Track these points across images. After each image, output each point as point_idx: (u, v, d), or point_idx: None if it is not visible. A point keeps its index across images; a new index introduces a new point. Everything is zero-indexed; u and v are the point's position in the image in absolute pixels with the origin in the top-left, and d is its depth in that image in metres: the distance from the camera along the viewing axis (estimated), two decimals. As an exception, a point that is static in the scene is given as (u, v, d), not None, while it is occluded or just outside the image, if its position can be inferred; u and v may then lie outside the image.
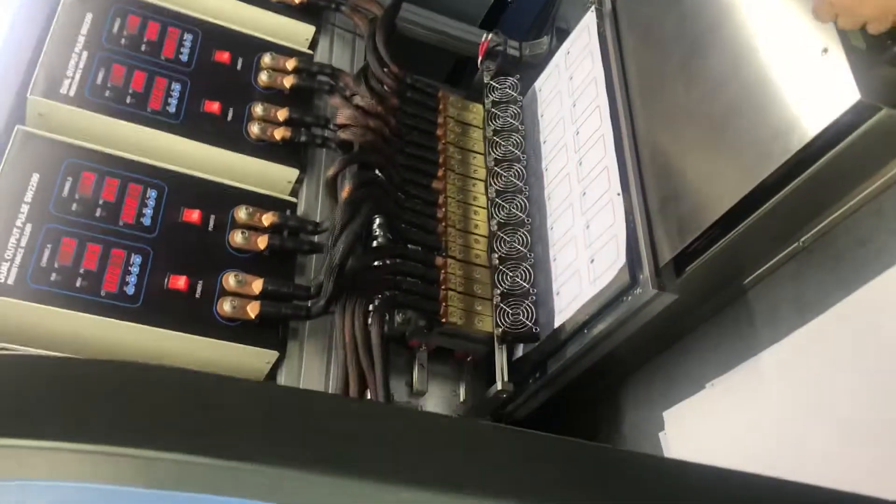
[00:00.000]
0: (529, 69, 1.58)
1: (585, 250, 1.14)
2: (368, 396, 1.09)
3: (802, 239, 0.98)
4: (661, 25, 1.17)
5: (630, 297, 1.04)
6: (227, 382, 0.47)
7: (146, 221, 1.13)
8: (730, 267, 1.03)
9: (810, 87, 0.90)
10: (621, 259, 1.05)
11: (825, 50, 0.88)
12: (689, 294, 1.03)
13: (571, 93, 1.30)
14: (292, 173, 1.28)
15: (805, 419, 0.95)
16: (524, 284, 1.21)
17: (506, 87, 1.43)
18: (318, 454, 0.40)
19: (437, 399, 1.25)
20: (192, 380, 0.43)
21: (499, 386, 1.16)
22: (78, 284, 1.04)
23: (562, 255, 1.20)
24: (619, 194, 1.09)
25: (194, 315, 1.09)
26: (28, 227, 1.05)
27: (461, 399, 1.26)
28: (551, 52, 1.52)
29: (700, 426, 1.08)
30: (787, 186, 0.92)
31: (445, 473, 0.43)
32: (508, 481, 0.44)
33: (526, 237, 1.26)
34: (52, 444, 0.36)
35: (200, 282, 1.11)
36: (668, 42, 1.14)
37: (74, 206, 1.09)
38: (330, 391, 1.14)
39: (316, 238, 1.22)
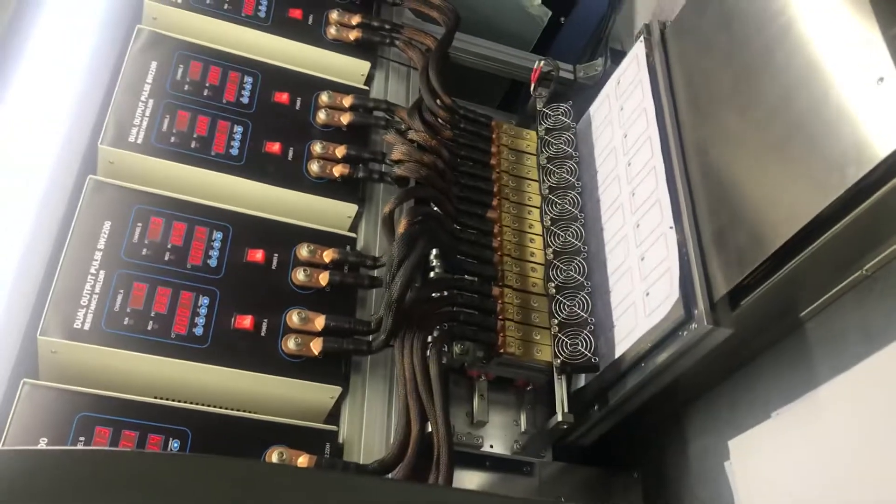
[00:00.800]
0: (584, 92, 1.59)
1: (641, 282, 1.14)
2: (429, 429, 1.11)
3: (866, 267, 0.97)
4: (711, 53, 1.17)
5: (686, 332, 1.04)
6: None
7: (212, 263, 1.17)
8: (788, 298, 1.02)
9: (867, 117, 0.88)
10: (675, 293, 1.05)
11: (881, 79, 0.86)
12: (746, 327, 1.03)
13: (622, 123, 1.30)
14: (351, 209, 1.31)
15: (873, 451, 0.93)
16: (582, 314, 1.21)
17: (559, 114, 1.44)
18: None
19: (498, 429, 1.26)
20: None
21: (559, 417, 1.16)
22: (149, 328, 1.08)
23: (618, 286, 1.20)
24: (671, 227, 1.09)
25: (260, 353, 1.12)
26: (101, 274, 1.10)
27: (522, 429, 1.27)
28: (606, 75, 1.52)
29: (765, 455, 1.06)
30: (846, 217, 0.91)
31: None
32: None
33: (582, 265, 1.26)
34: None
35: (265, 320, 1.14)
36: (719, 69, 1.14)
37: (144, 251, 1.14)
38: (392, 424, 1.16)
39: (375, 272, 1.24)
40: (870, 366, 0.95)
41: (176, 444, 1.03)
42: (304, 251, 1.21)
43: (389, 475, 1.08)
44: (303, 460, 1.05)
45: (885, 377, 0.93)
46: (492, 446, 1.25)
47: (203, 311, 1.13)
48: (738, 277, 1.00)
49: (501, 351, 1.21)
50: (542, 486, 1.30)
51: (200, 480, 0.42)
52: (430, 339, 1.17)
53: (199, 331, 1.11)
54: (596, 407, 1.20)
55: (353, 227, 1.32)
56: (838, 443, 0.97)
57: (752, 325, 1.04)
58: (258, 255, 1.19)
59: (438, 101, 1.37)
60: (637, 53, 1.30)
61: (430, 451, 1.09)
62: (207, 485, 0.42)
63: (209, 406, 1.09)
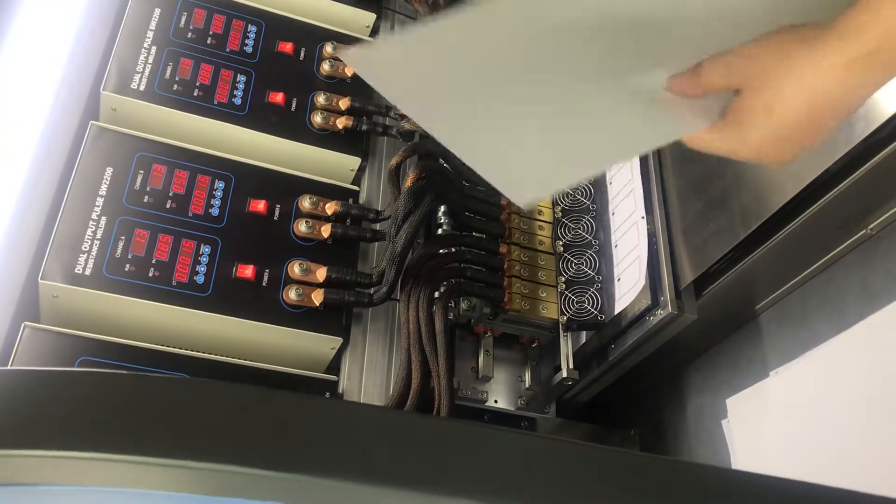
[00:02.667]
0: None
1: (647, 237, 1.13)
2: (431, 384, 1.11)
3: (870, 226, 0.96)
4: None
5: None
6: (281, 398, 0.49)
7: (214, 212, 1.17)
8: (796, 255, 1.01)
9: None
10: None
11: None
12: (750, 284, 1.02)
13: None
14: (354, 162, 1.30)
15: (871, 410, 0.93)
16: (589, 272, 1.21)
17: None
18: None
19: (503, 385, 1.26)
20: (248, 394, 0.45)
21: (564, 374, 1.17)
22: (151, 274, 1.08)
23: (623, 241, 1.19)
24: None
25: (261, 303, 1.12)
26: (103, 220, 1.09)
27: (526, 384, 1.27)
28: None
29: (763, 414, 1.07)
30: (853, 173, 0.90)
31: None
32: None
33: (591, 224, 1.25)
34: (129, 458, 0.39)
35: (267, 270, 1.14)
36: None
37: (146, 199, 1.13)
38: (392, 377, 1.16)
39: (378, 226, 1.24)
40: (870, 324, 0.94)
41: (176, 391, 1.03)
42: (306, 203, 1.21)
43: (388, 426, 1.09)
44: (302, 409, 1.06)
45: (885, 336, 0.93)
46: (496, 401, 1.25)
47: (204, 259, 1.12)
48: (744, 232, 0.99)
49: (507, 307, 1.21)
50: (540, 442, 1.30)
51: (210, 403, 0.42)
52: (436, 294, 1.16)
53: (200, 279, 1.11)
54: (600, 361, 1.21)
55: (356, 181, 1.31)
56: (838, 401, 0.97)
57: (759, 280, 1.03)
58: (260, 206, 1.19)
59: (445, 55, 1.35)
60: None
61: (429, 406, 1.09)
62: (215, 406, 0.43)
63: (209, 354, 1.09)
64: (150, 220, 1.12)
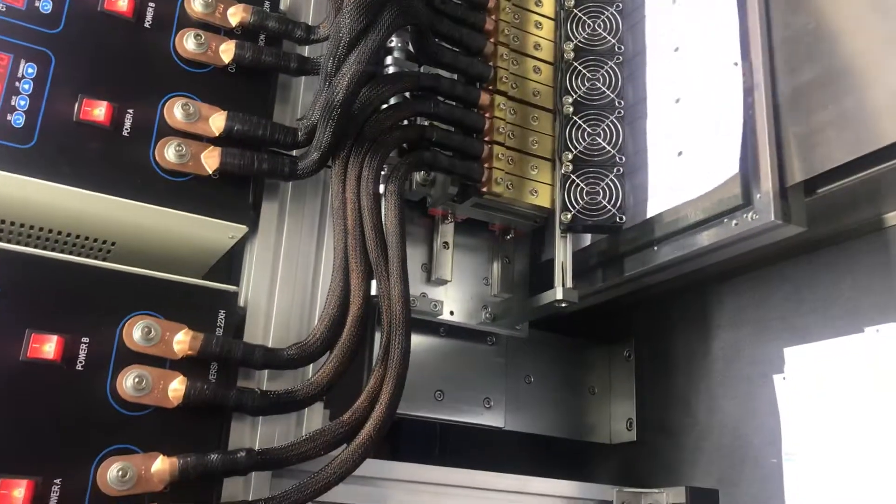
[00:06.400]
0: None
1: (709, 114, 0.76)
2: (373, 291, 0.75)
3: None
4: None
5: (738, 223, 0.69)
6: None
7: (45, 7, 0.72)
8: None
9: None
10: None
11: None
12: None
13: None
14: (276, -55, 0.85)
15: None
16: (608, 148, 0.83)
17: None
18: None
19: (463, 292, 0.92)
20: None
21: (558, 294, 0.82)
22: (-73, 110, 0.65)
23: (689, 98, 0.81)
24: (736, 64, 0.70)
25: (119, 164, 0.72)
26: None
27: (494, 290, 0.93)
28: None
29: (847, 380, 0.76)
30: None
31: None
32: None
33: (614, 74, 0.86)
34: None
35: (130, 111, 0.73)
36: None
37: (-79, -25, 0.68)
38: (321, 282, 0.80)
39: (308, 51, 0.82)
40: None
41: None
42: (197, 3, 0.78)
43: (312, 366, 0.74)
44: (182, 338, 0.68)
45: None
46: (452, 313, 0.91)
47: (26, 87, 0.70)
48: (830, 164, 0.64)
49: (485, 190, 0.83)
50: (507, 359, 0.98)
51: None
52: (386, 165, 0.78)
53: (18, 120, 0.69)
54: (608, 273, 0.87)
55: (277, -27, 0.87)
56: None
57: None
58: (122, 3, 0.75)
59: None
60: None
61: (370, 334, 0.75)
62: None
63: (37, 247, 0.70)
64: (-72, 14, 0.67)
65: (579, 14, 0.88)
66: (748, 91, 0.74)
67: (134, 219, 0.74)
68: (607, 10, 0.87)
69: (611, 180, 0.82)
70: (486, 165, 0.84)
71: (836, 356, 0.77)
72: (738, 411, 0.88)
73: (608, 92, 0.85)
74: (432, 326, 0.93)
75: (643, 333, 1.01)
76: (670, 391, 0.96)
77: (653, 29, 0.88)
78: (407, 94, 0.84)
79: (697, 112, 0.79)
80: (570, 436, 1.02)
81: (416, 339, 0.92)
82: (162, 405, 0.67)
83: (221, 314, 0.72)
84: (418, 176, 0.86)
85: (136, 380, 0.66)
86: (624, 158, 0.83)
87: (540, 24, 0.92)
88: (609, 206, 0.82)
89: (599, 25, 0.88)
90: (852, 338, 0.76)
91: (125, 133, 0.73)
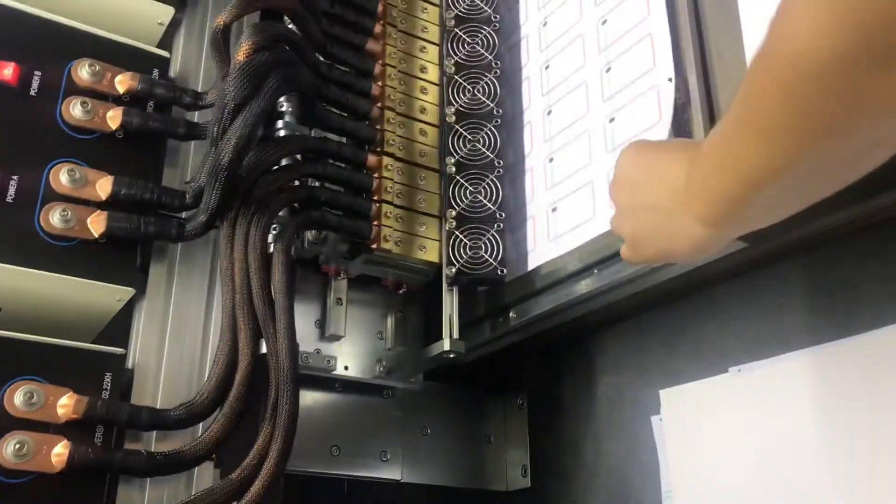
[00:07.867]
0: None
1: (606, 154, 0.80)
2: (264, 349, 0.77)
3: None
4: None
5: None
6: None
7: (-76, 75, 0.73)
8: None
9: None
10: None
11: None
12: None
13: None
14: (165, 12, 0.88)
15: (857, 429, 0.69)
16: (488, 205, 0.88)
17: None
18: None
19: (358, 347, 0.94)
20: None
21: (446, 346, 0.85)
22: None
23: (562, 156, 0.86)
24: (670, 80, 0.74)
25: (2, 230, 0.72)
26: None
27: (388, 344, 0.96)
28: None
29: (718, 418, 0.81)
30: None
31: None
32: None
33: (493, 136, 0.91)
34: None
35: (15, 178, 0.74)
36: None
37: None
38: (210, 342, 0.81)
39: (197, 116, 0.84)
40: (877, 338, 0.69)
41: None
42: (84, 71, 0.79)
43: (201, 426, 0.74)
44: (66, 402, 0.69)
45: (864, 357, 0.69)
46: (346, 367, 0.93)
47: None
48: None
49: (374, 246, 0.87)
50: (404, 412, 1.00)
51: None
52: (274, 225, 0.81)
53: None
54: (489, 326, 0.90)
55: (167, 43, 0.90)
56: (817, 415, 0.73)
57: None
58: (7, 71, 0.76)
59: None
60: None
61: (261, 389, 0.76)
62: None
63: None
64: None
65: (458, 129, 0.91)
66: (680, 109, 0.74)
67: (19, 284, 0.74)
68: (487, 124, 0.92)
69: (492, 235, 0.86)
70: (375, 223, 0.88)
71: (705, 396, 0.82)
72: (622, 453, 0.91)
73: (487, 153, 0.90)
74: (327, 382, 0.94)
75: (534, 382, 1.05)
76: (561, 437, 0.99)
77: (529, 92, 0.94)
78: (298, 156, 0.88)
79: (567, 170, 0.84)
80: (468, 485, 1.04)
81: (312, 395, 0.93)
82: (45, 471, 0.66)
83: (108, 376, 0.73)
84: (310, 234, 0.88)
85: (17, 446, 0.66)
86: (503, 215, 0.87)
87: (426, 89, 0.97)
88: (491, 260, 0.86)
89: (479, 90, 0.93)
90: (718, 378, 0.81)
91: (9, 199, 0.73)
